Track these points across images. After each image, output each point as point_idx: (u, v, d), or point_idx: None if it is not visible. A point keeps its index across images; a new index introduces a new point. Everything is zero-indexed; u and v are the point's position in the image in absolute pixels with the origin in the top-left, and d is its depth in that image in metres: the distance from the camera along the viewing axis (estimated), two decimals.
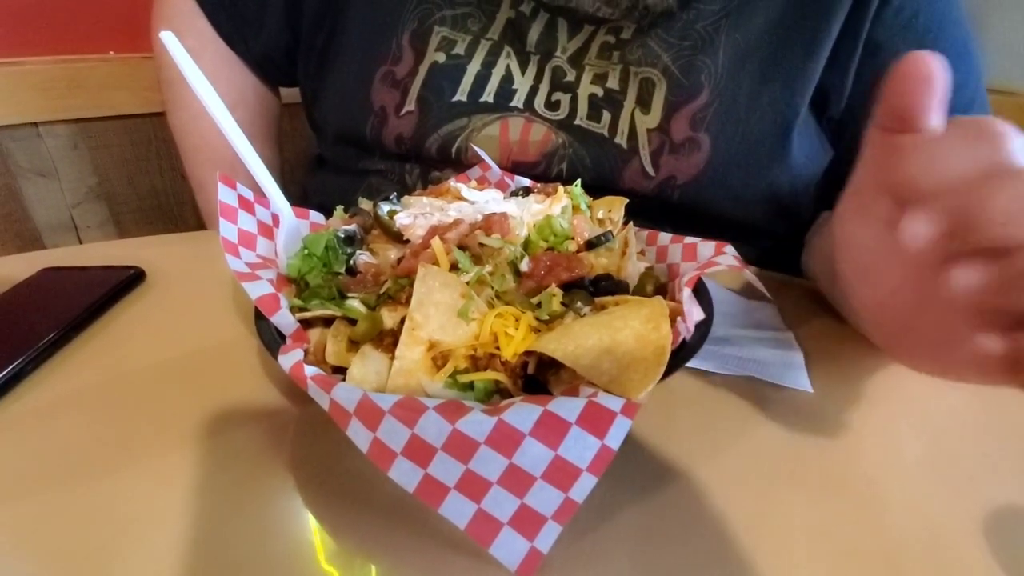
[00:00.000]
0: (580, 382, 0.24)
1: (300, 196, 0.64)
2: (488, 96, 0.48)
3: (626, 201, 0.37)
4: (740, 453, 0.28)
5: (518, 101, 0.48)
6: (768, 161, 0.45)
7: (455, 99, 0.48)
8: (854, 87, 0.46)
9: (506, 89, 0.48)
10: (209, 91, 0.30)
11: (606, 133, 0.46)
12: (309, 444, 0.27)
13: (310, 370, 0.23)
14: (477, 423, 0.20)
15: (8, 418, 0.29)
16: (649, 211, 0.47)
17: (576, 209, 0.34)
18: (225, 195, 0.31)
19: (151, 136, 0.99)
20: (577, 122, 0.47)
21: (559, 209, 0.33)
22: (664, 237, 0.36)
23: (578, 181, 0.36)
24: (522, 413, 0.20)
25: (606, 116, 0.46)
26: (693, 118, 0.45)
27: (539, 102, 0.48)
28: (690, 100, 0.45)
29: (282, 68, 0.60)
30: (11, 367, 0.31)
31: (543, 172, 0.48)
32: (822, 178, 0.50)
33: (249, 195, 0.33)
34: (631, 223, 0.35)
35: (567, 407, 0.20)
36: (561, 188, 0.34)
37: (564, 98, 0.47)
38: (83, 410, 0.30)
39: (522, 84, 0.48)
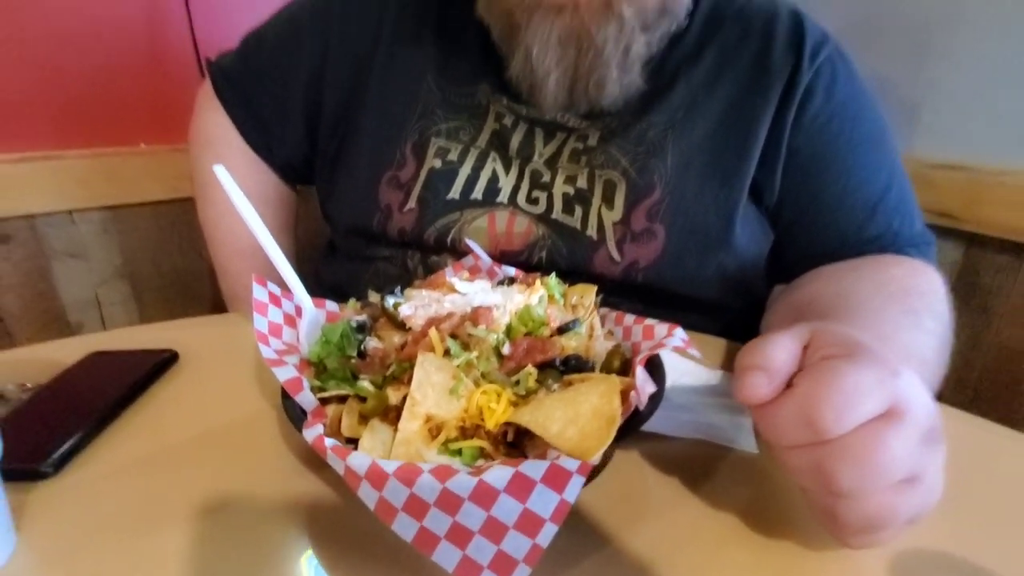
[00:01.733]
0: (549, 447, 0.29)
1: (314, 277, 0.71)
2: (477, 194, 0.56)
3: (596, 288, 0.43)
4: (690, 509, 0.33)
5: (503, 197, 0.56)
6: (715, 246, 0.53)
7: (449, 197, 0.56)
8: (782, 183, 0.54)
9: (493, 188, 0.56)
10: (252, 213, 0.38)
11: (578, 226, 0.54)
12: (325, 504, 0.32)
13: (329, 442, 0.28)
14: (462, 482, 0.25)
15: (66, 486, 0.34)
16: (621, 292, 0.54)
17: (551, 298, 0.40)
18: (258, 293, 0.37)
19: (175, 219, 1.08)
20: (554, 216, 0.55)
21: (536, 299, 0.39)
22: (629, 318, 0.42)
23: (553, 274, 0.42)
24: (498, 474, 0.26)
25: (578, 211, 0.54)
26: (649, 212, 0.53)
27: (521, 198, 0.56)
28: (646, 197, 0.53)
29: (300, 171, 0.69)
30: (70, 441, 0.36)
31: (526, 259, 0.55)
32: (770, 257, 0.57)
33: (277, 291, 0.39)
34: (598, 307, 0.42)
35: (534, 468, 0.26)
36: (539, 280, 0.41)
37: (542, 195, 0.55)
38: (130, 478, 0.35)
39: (506, 183, 0.56)
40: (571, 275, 0.51)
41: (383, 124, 0.59)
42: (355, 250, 0.63)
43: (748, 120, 0.53)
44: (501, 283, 0.44)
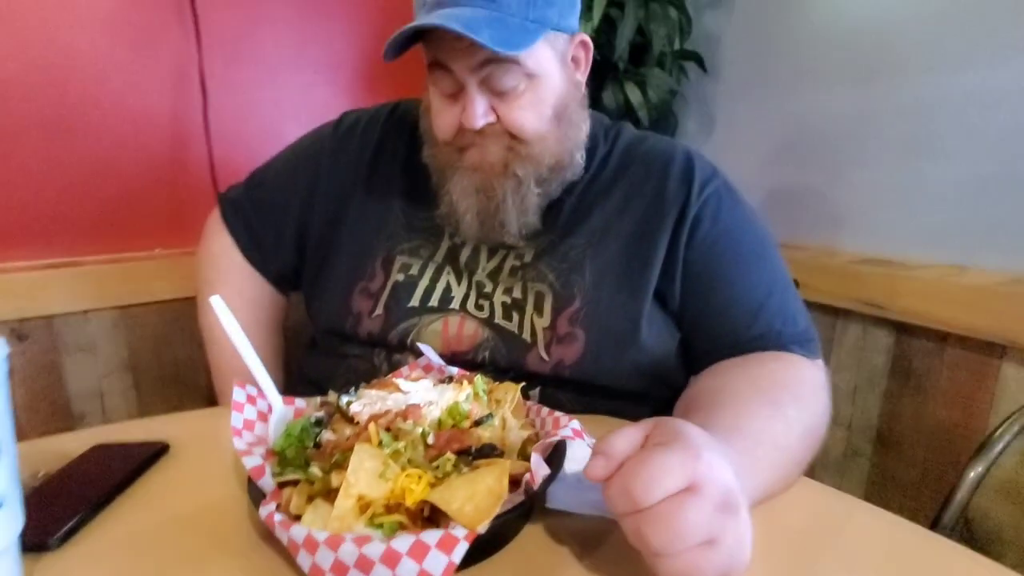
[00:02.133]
0: (453, 520, 0.37)
1: (298, 371, 0.80)
2: (434, 302, 0.67)
3: (519, 387, 0.52)
4: None
5: (455, 304, 0.66)
6: (626, 344, 0.63)
7: (410, 305, 0.67)
8: (681, 292, 0.65)
9: (447, 296, 0.67)
10: (240, 335, 0.48)
11: (516, 331, 0.64)
12: (279, 571, 0.39)
13: (277, 517, 0.36)
14: (375, 548, 0.33)
15: (68, 556, 0.41)
16: (556, 385, 0.63)
17: (476, 396, 0.49)
18: (237, 394, 0.46)
19: (180, 315, 1.17)
20: (496, 321, 0.65)
21: (464, 396, 0.48)
22: (544, 411, 0.51)
23: (479, 376, 0.51)
24: (403, 540, 0.33)
25: (515, 317, 0.65)
26: (571, 318, 0.63)
27: (470, 305, 0.66)
28: (568, 306, 0.63)
29: (289, 281, 0.81)
30: (73, 521, 0.44)
31: (472, 358, 0.64)
32: (683, 353, 0.66)
33: (253, 392, 0.48)
34: (527, 402, 0.50)
35: (430, 536, 0.33)
36: (466, 381, 0.50)
37: (486, 303, 0.66)
38: (122, 552, 0.42)
39: (458, 292, 0.67)
40: (510, 372, 0.60)
41: (358, 244, 0.71)
42: (332, 348, 0.73)
43: (649, 241, 0.64)
44: (443, 381, 0.53)
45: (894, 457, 1.01)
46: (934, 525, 0.64)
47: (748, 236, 0.66)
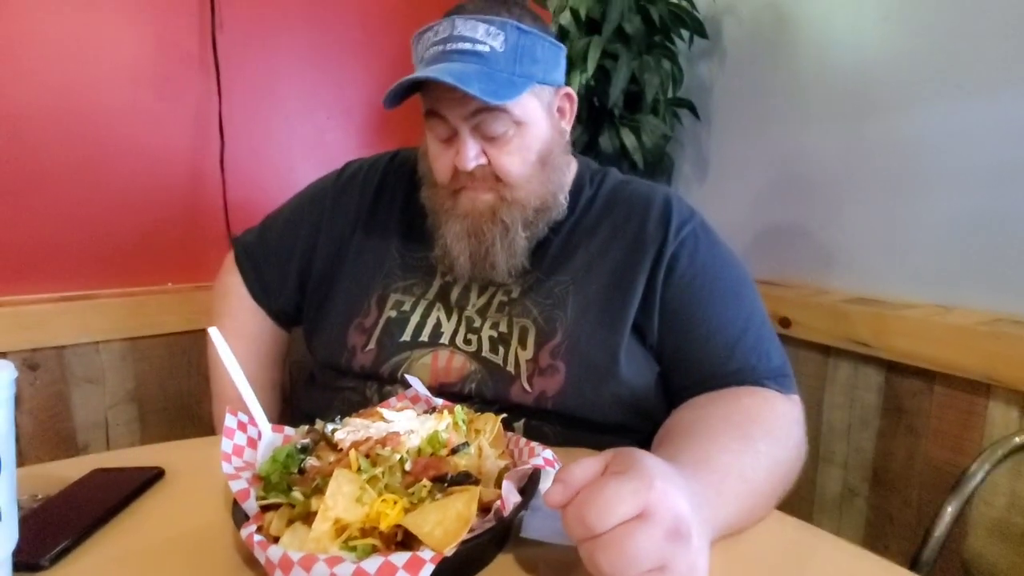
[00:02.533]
0: (423, 543, 0.38)
1: (296, 403, 0.83)
2: (424, 337, 0.70)
3: (499, 418, 0.54)
4: None
5: (445, 339, 0.70)
6: (606, 377, 0.65)
7: (402, 340, 0.70)
8: (659, 328, 0.67)
9: (436, 332, 0.70)
10: (234, 364, 0.51)
11: (501, 363, 0.67)
12: None
13: (256, 538, 0.38)
14: (345, 569, 0.35)
15: None
16: (541, 417, 0.65)
17: (456, 425, 0.51)
18: (229, 421, 0.49)
19: (187, 348, 1.21)
20: (483, 354, 0.68)
21: (444, 425, 0.50)
22: (522, 441, 0.52)
23: (459, 407, 0.54)
24: (373, 562, 0.35)
25: (500, 351, 0.67)
26: (552, 351, 0.66)
27: (459, 340, 0.69)
28: (550, 340, 0.66)
29: (292, 318, 0.86)
30: (65, 542, 0.46)
31: (459, 390, 0.67)
32: (664, 387, 0.68)
33: (244, 419, 0.51)
34: (506, 433, 0.52)
35: (400, 558, 0.35)
36: (447, 411, 0.52)
37: (474, 337, 0.69)
38: (118, 571, 0.44)
39: (447, 328, 0.70)
40: (496, 404, 0.62)
41: (356, 283, 0.76)
42: (328, 381, 0.75)
43: (629, 280, 0.67)
44: (427, 411, 0.56)
45: (890, 497, 1.00)
46: (913, 564, 0.64)
47: (724, 273, 0.69)
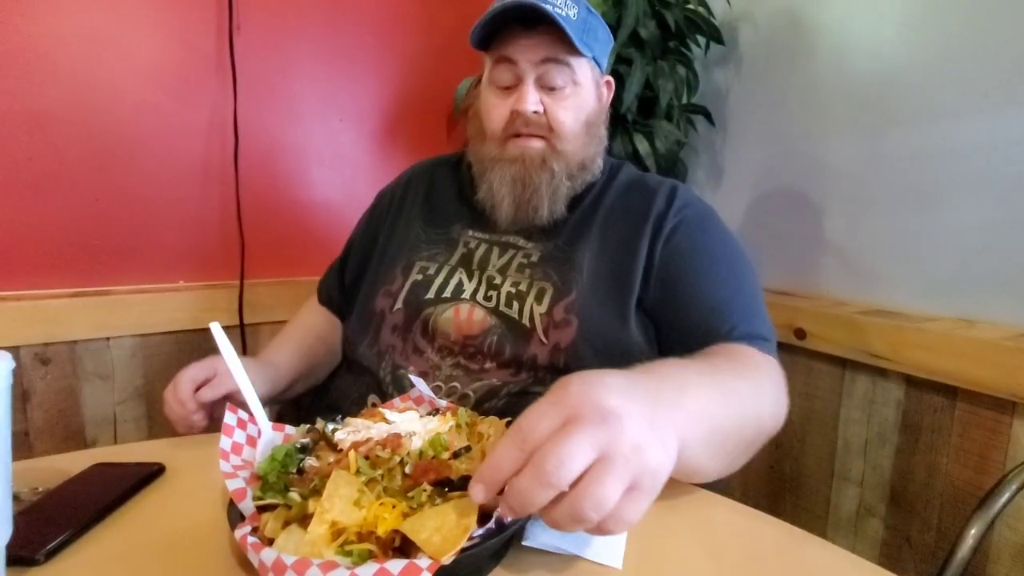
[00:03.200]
0: (421, 550, 0.37)
1: (324, 392, 0.88)
2: (447, 293, 0.75)
3: (504, 422, 0.53)
4: None
5: (466, 295, 0.74)
6: (615, 332, 0.70)
7: (427, 296, 0.75)
8: (653, 291, 0.71)
9: (459, 289, 0.75)
10: (236, 362, 0.52)
11: (517, 316, 0.71)
12: None
13: (250, 539, 0.37)
14: (340, 574, 0.34)
15: (53, 572, 0.42)
16: (556, 372, 0.68)
17: (458, 428, 0.50)
18: (228, 418, 0.48)
19: (197, 346, 1.21)
20: (501, 309, 0.72)
21: (446, 428, 0.49)
22: None
23: (462, 409, 0.52)
24: (368, 568, 0.34)
25: (516, 306, 0.72)
26: (566, 307, 0.70)
27: (479, 296, 0.74)
28: (565, 297, 0.71)
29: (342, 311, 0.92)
30: (61, 537, 0.45)
31: (481, 343, 0.71)
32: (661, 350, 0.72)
33: (244, 416, 0.50)
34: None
35: (395, 565, 0.34)
36: (450, 413, 0.51)
37: (493, 294, 0.74)
38: (105, 569, 0.43)
39: (469, 286, 0.75)
40: (515, 359, 0.69)
41: (384, 260, 0.83)
42: (350, 367, 0.80)
43: (633, 251, 0.73)
44: (431, 413, 0.54)
45: (908, 518, 0.97)
46: None
47: (720, 247, 0.74)
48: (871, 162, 1.08)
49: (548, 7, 0.67)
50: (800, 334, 1.09)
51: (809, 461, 1.12)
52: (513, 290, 0.73)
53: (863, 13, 1.09)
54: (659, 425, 0.37)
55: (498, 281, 0.74)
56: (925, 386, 0.94)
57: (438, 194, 0.86)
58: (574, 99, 0.74)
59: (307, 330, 0.90)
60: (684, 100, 1.31)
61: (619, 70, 1.22)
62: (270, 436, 0.50)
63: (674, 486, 0.57)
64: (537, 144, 0.74)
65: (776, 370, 0.64)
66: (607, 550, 0.45)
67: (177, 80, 1.16)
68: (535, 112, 0.72)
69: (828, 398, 1.07)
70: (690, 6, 1.28)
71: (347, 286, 0.91)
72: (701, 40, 1.32)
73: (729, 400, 0.51)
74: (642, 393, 0.39)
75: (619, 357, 0.68)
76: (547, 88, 0.73)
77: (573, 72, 0.73)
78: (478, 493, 0.36)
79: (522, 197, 0.74)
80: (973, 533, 0.60)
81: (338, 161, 1.36)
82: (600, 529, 0.35)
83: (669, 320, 0.71)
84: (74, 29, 1.06)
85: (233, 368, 0.50)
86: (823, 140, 1.17)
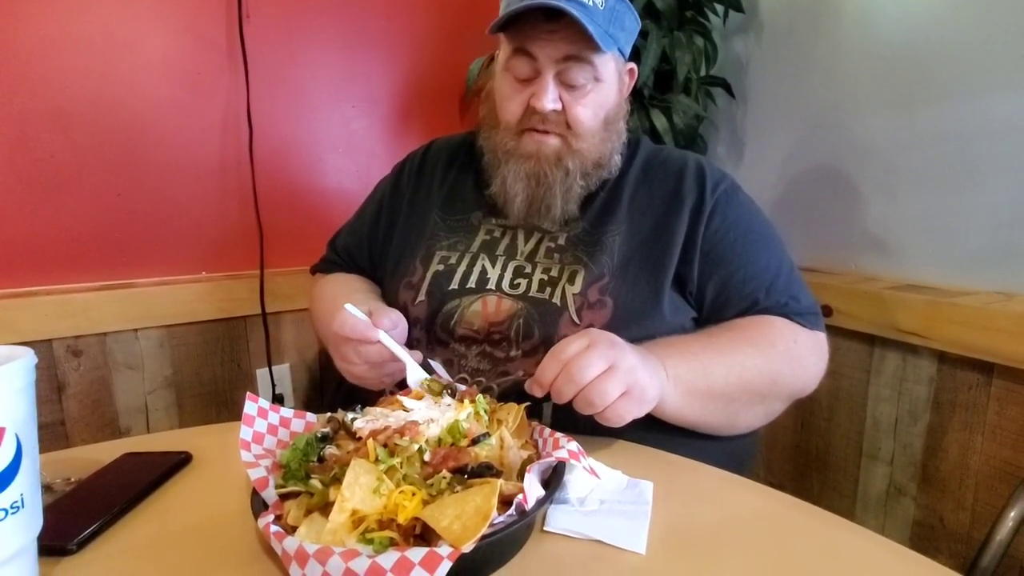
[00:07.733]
0: (441, 537, 0.37)
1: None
2: (471, 283, 0.73)
3: (522, 407, 0.52)
4: None
5: (492, 285, 0.72)
6: (650, 314, 0.69)
7: (451, 288, 0.73)
8: (699, 275, 0.72)
9: (483, 278, 0.73)
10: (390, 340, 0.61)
11: (547, 298, 0.70)
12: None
13: (274, 528, 0.37)
14: (360, 563, 0.34)
15: (86, 561, 0.44)
16: None
17: (477, 415, 0.49)
18: (249, 407, 0.49)
19: (220, 336, 1.24)
20: (531, 294, 0.71)
21: (464, 415, 0.48)
22: (547, 431, 0.51)
23: (481, 395, 0.52)
24: (389, 557, 0.34)
25: (548, 290, 0.71)
26: (601, 289, 0.70)
27: (505, 284, 0.72)
28: (599, 280, 0.70)
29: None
30: (93, 526, 0.46)
31: (507, 329, 0.69)
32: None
33: (266, 405, 0.50)
34: (521, 421, 0.51)
35: (415, 553, 0.34)
36: (468, 400, 0.51)
37: (523, 281, 0.72)
38: (136, 557, 0.44)
39: (493, 274, 0.73)
40: (544, 343, 0.67)
41: (403, 249, 0.81)
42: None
43: (668, 232, 0.72)
44: (450, 393, 0.54)
45: (941, 498, 0.95)
46: (972, 569, 0.59)
47: (755, 226, 0.75)
48: (902, 137, 1.04)
49: (573, 6, 0.64)
50: (827, 311, 1.06)
51: (836, 440, 1.09)
52: (545, 276, 0.71)
53: None
54: (649, 360, 0.57)
55: (528, 269, 0.73)
56: (960, 362, 0.91)
57: (456, 180, 0.83)
58: (594, 96, 0.71)
59: (357, 280, 0.88)
60: (702, 72, 1.27)
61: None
62: (420, 374, 0.59)
63: (697, 471, 0.56)
64: (553, 141, 0.71)
65: (813, 340, 0.70)
66: (629, 536, 0.44)
67: (190, 72, 1.16)
68: (553, 110, 0.69)
69: (856, 376, 1.04)
70: None
71: (379, 246, 0.87)
72: (719, 8, 1.27)
73: (722, 350, 0.65)
74: (638, 348, 0.56)
75: (647, 337, 0.67)
76: (567, 85, 0.69)
77: (595, 69, 0.69)
78: (536, 391, 0.53)
79: (536, 194, 0.72)
80: (1013, 515, 0.57)
81: (352, 148, 1.36)
82: (603, 417, 0.52)
83: (719, 303, 0.72)
84: (88, 27, 1.07)
85: (386, 341, 0.59)
86: (850, 111, 1.12)
